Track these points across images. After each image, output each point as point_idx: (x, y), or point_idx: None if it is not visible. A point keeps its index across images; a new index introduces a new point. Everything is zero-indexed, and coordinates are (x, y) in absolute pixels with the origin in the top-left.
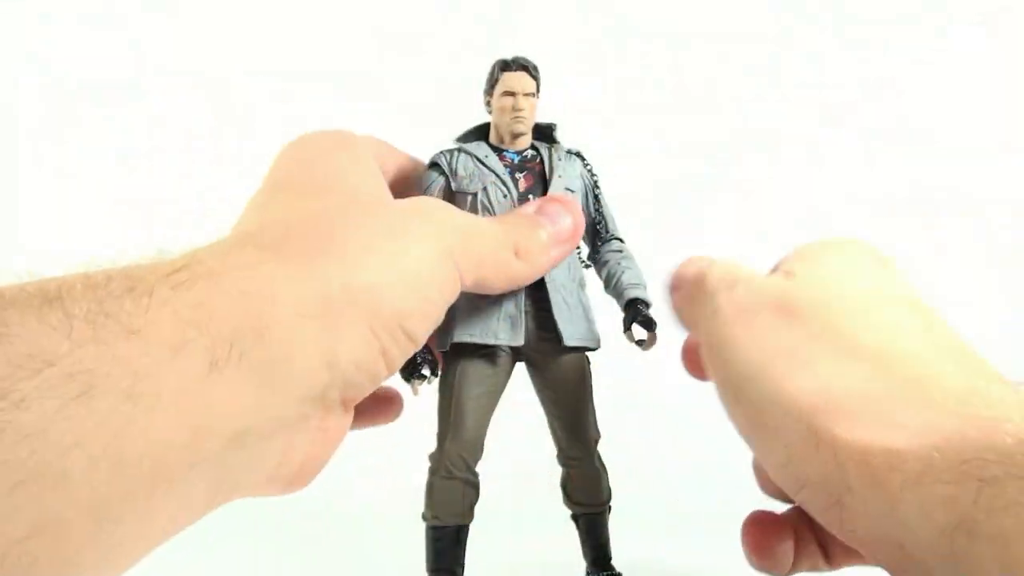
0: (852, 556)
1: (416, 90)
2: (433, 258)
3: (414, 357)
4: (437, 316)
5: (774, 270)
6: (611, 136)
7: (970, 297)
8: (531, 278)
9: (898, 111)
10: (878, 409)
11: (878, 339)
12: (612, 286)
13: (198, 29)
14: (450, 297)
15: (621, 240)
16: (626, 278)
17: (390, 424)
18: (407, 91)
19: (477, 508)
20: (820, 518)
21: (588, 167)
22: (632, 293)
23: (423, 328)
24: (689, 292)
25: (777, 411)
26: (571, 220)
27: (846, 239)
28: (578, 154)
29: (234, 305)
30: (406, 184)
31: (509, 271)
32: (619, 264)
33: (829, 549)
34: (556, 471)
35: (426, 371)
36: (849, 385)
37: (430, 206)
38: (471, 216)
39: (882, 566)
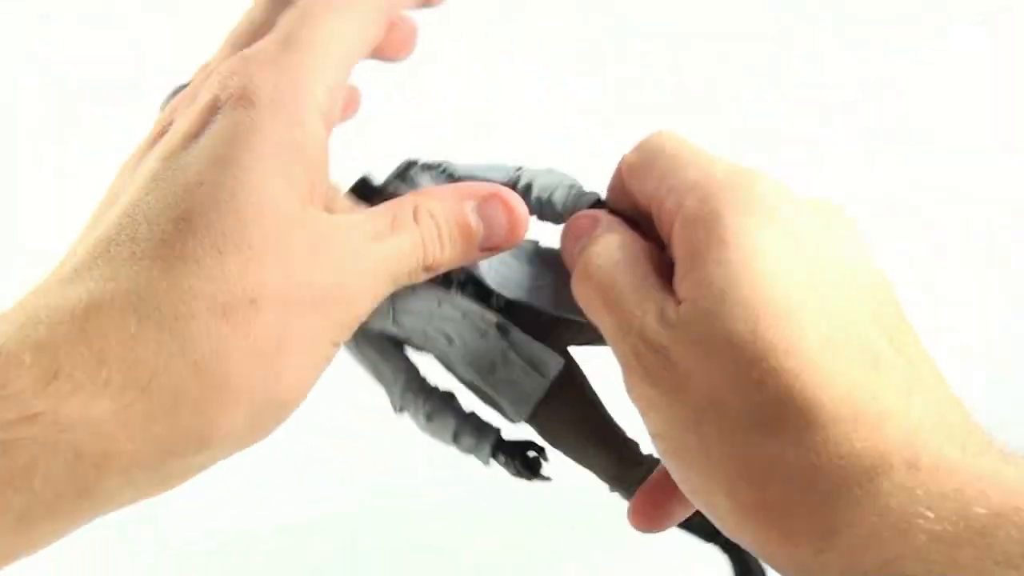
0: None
1: (415, 91)
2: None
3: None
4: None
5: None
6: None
7: (970, 297)
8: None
9: (898, 110)
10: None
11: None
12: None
13: (198, 29)
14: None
15: None
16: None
17: None
18: (407, 93)
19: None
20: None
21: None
22: None
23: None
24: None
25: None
26: (507, 229)
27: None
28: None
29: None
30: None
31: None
32: None
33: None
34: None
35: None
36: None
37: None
38: (373, 250)
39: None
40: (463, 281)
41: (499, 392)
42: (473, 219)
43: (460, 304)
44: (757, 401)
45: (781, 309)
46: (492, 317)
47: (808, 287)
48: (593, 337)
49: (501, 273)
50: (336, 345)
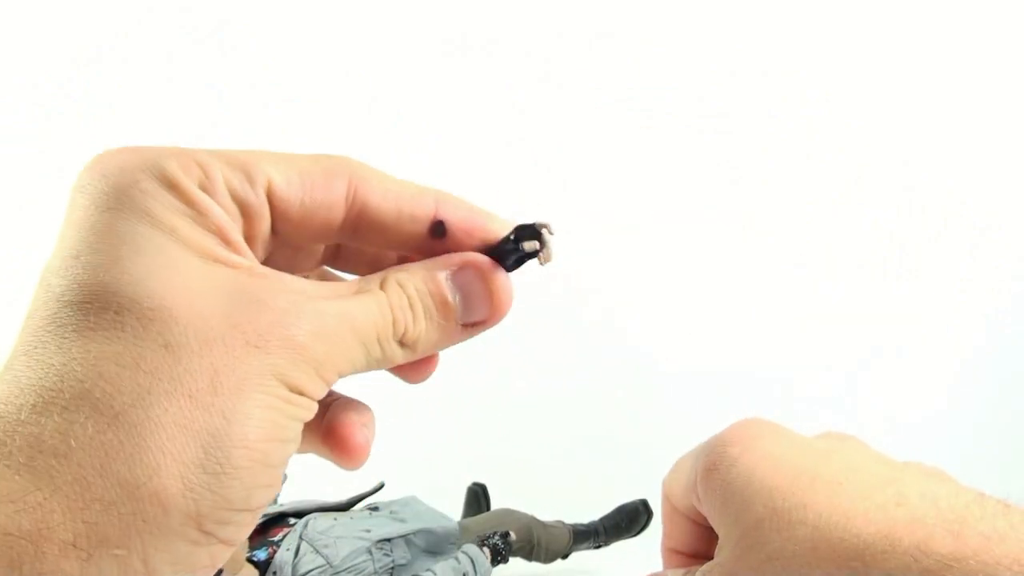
0: None
1: (415, 94)
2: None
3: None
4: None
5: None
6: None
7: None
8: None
9: (898, 114)
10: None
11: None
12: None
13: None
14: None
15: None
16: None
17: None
18: (406, 97)
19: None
20: None
21: None
22: None
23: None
24: None
25: None
26: (488, 302)
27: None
28: None
29: None
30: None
31: (390, 364)
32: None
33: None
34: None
35: None
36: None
37: (267, 323)
38: (328, 304)
39: None
40: None
41: None
42: (448, 288)
43: None
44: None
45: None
46: None
47: (816, 463)
48: None
49: None
50: (299, 392)
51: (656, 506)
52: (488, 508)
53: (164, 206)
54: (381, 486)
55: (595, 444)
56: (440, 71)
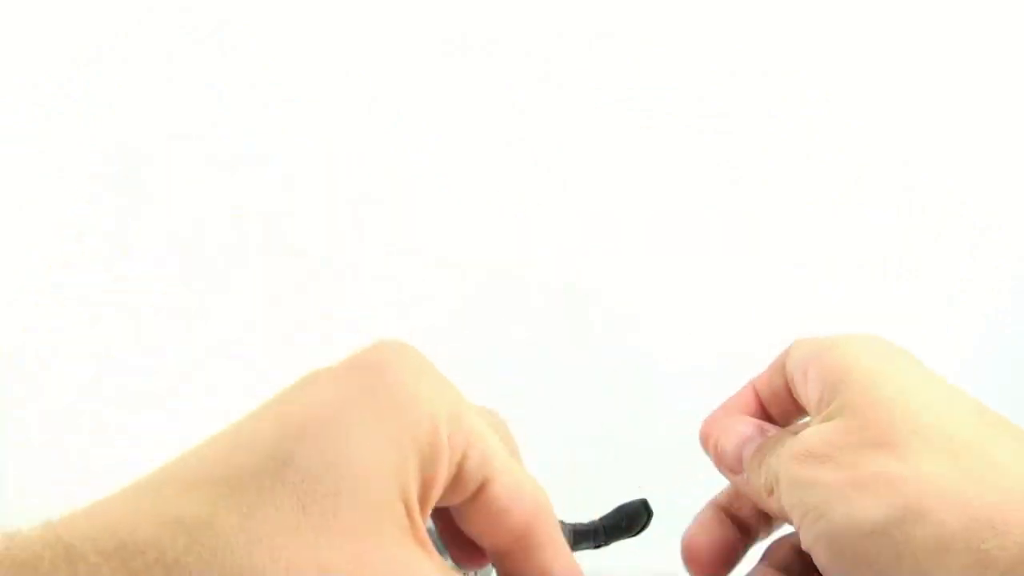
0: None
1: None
2: None
3: None
4: None
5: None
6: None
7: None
8: None
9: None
10: (966, 506)
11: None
12: None
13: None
14: None
15: None
16: None
17: None
18: (406, 97)
19: None
20: None
21: None
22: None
23: None
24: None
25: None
26: None
27: (850, 338)
28: None
29: None
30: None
31: None
32: None
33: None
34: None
35: None
36: (931, 482)
37: None
38: None
39: None
40: None
41: None
42: None
43: None
44: None
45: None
46: None
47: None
48: None
49: None
50: None
51: (656, 507)
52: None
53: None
54: None
55: (596, 444)
56: (440, 71)
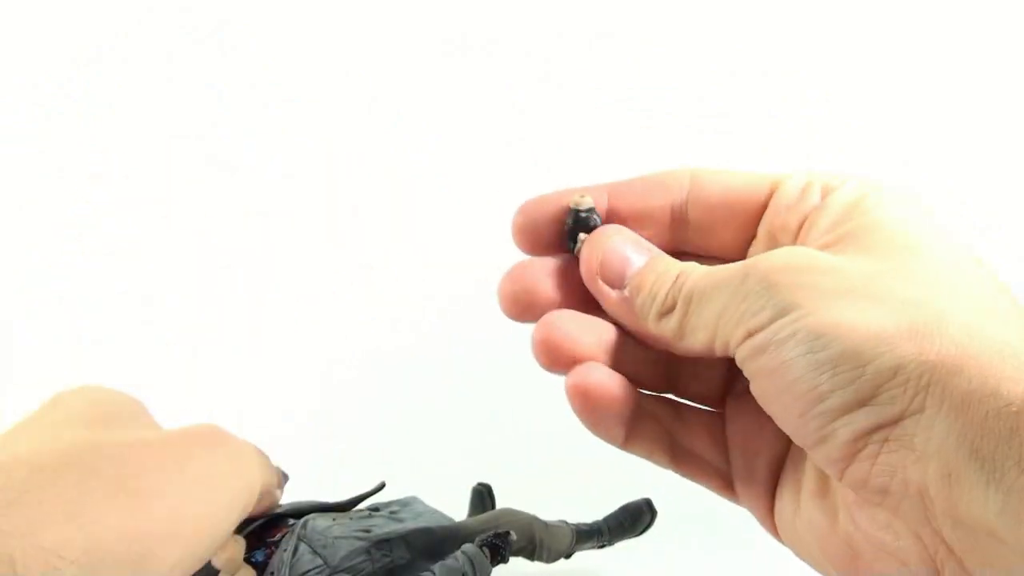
0: (694, 466)
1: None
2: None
3: None
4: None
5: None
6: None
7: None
8: None
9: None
10: (986, 337)
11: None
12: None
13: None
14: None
15: None
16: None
17: None
18: (406, 97)
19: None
20: (842, 442)
21: None
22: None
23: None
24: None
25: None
26: None
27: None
28: None
29: None
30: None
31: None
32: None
33: (679, 451)
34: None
35: None
36: (954, 308)
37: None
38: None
39: (889, 511)
40: None
41: None
42: None
43: None
44: None
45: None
46: None
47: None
48: None
49: None
50: None
51: (661, 506)
52: (493, 507)
53: None
54: (382, 486)
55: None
56: (440, 71)
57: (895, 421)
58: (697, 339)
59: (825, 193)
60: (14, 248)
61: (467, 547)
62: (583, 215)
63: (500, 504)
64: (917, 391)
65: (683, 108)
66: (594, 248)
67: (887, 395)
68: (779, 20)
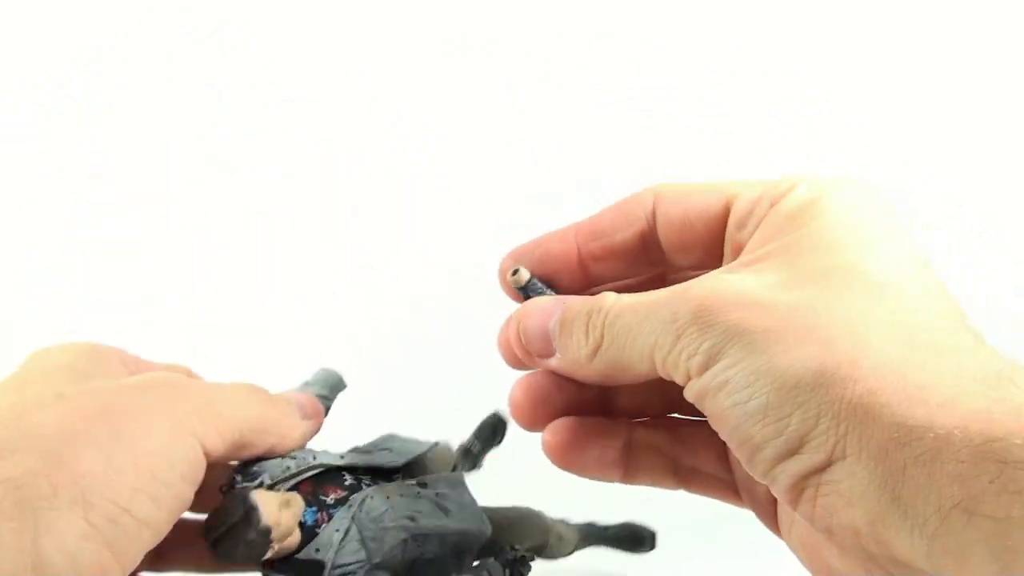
0: (702, 483)
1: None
2: (163, 434)
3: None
4: (176, 495)
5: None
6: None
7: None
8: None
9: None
10: (899, 377)
11: (898, 296)
12: None
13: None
14: (191, 472)
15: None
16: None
17: None
18: (406, 97)
19: None
20: (785, 487)
21: None
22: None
23: (158, 511)
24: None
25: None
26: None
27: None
28: None
29: None
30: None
31: (295, 431)
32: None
33: (684, 471)
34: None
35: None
36: (868, 345)
37: (167, 379)
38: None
39: (838, 547)
40: None
41: None
42: None
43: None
44: None
45: None
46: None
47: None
48: None
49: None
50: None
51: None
52: (500, 443)
53: None
54: (435, 445)
55: None
56: (440, 71)
57: (823, 467)
58: (638, 371)
59: (772, 203)
60: (14, 248)
61: (491, 565)
62: (526, 289)
63: (503, 503)
64: (838, 438)
65: (683, 108)
66: (514, 334)
67: (813, 443)
68: (779, 20)
